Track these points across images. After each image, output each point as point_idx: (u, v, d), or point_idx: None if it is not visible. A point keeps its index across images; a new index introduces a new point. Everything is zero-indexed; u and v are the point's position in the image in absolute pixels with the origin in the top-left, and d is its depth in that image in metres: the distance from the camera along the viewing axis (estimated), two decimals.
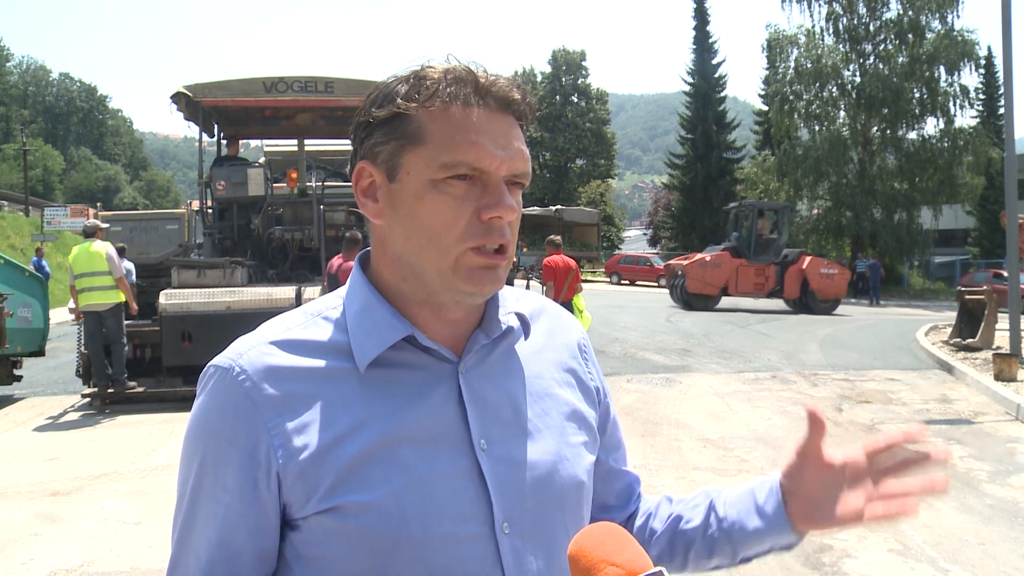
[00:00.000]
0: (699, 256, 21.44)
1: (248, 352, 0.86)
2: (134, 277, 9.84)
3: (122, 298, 8.26)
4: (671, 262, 22.43)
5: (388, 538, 0.81)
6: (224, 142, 10.96)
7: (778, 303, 21.90)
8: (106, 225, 8.88)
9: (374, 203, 0.89)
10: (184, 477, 0.87)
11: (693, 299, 20.49)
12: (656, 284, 34.47)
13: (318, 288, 8.45)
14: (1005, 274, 26.19)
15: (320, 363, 0.86)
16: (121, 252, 10.52)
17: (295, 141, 10.99)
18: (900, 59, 31.45)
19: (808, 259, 21.27)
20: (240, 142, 11.63)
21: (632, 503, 1.08)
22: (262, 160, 11.77)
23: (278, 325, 0.90)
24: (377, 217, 0.89)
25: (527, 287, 13.24)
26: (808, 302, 20.68)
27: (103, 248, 8.27)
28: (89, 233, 8.51)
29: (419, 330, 0.88)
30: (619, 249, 51.24)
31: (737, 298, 21.58)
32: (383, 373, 0.86)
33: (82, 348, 8.56)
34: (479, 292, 0.86)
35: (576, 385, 0.99)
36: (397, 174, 0.86)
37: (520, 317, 0.95)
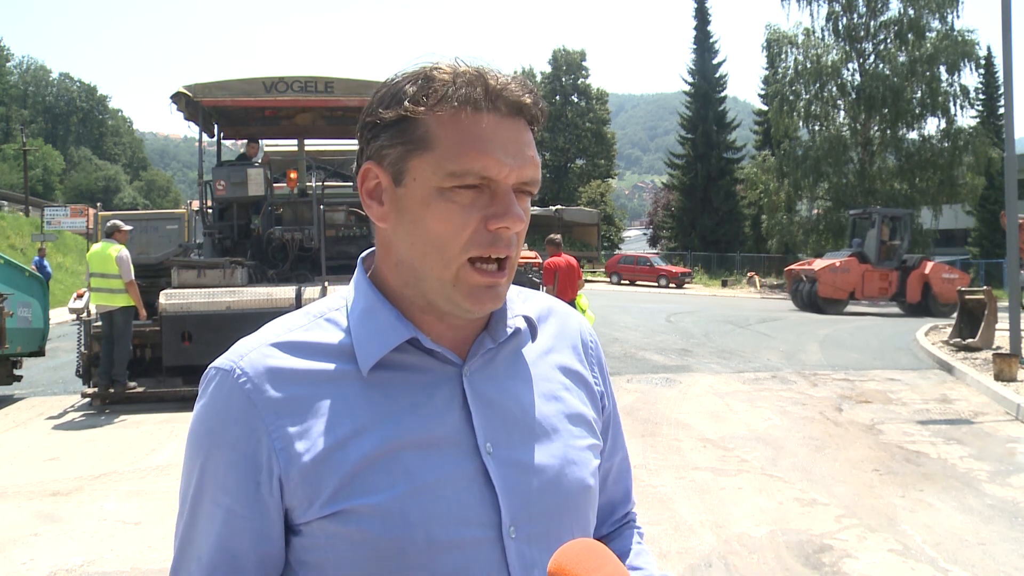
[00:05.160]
0: (828, 262, 21.88)
1: (249, 354, 0.85)
2: None
3: (130, 302, 8.14)
4: (792, 267, 23.09)
5: (392, 543, 0.80)
6: (243, 143, 10.90)
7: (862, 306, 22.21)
8: (128, 227, 8.58)
9: (379, 206, 0.87)
10: (186, 480, 0.86)
11: (824, 303, 20.88)
12: (656, 284, 34.52)
13: (318, 288, 8.45)
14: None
15: (322, 366, 0.85)
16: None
17: (295, 141, 10.99)
18: (900, 59, 31.44)
19: (930, 264, 21.79)
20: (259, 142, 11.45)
21: (605, 526, 1.05)
22: (262, 160, 11.76)
23: (280, 326, 0.89)
24: (382, 220, 0.87)
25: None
26: (929, 306, 21.13)
27: (115, 251, 8.18)
28: (108, 233, 8.40)
29: (423, 333, 0.86)
30: (619, 249, 51.24)
31: (852, 305, 21.90)
32: (386, 376, 0.85)
33: (82, 348, 8.55)
34: (478, 310, 0.85)
35: (582, 389, 0.98)
36: (403, 179, 0.84)
37: (527, 320, 0.94)
